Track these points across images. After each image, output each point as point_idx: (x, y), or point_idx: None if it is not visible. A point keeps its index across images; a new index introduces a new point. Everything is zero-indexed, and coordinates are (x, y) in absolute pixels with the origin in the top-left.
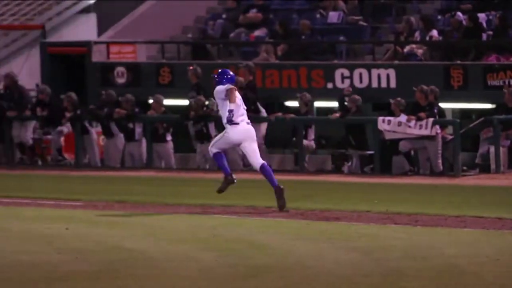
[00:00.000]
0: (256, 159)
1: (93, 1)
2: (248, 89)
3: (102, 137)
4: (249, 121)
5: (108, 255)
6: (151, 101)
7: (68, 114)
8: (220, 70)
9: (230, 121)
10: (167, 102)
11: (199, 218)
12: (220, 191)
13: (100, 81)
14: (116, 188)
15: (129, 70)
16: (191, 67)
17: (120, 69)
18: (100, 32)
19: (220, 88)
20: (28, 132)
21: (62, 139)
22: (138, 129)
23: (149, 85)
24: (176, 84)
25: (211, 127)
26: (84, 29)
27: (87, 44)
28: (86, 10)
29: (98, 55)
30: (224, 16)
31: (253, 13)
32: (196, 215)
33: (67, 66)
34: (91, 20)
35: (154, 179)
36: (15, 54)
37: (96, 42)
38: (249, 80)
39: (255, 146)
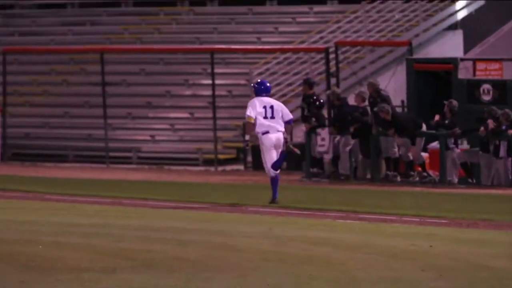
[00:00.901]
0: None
1: (460, 18)
2: None
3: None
4: (280, 128)
5: (471, 274)
6: None
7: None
8: (259, 81)
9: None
10: None
11: None
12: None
13: (465, 98)
14: (481, 206)
15: (495, 87)
16: None
17: (486, 86)
18: (466, 49)
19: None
20: (394, 147)
21: (426, 155)
22: (503, 147)
23: None
24: None
25: None
26: (450, 46)
27: (453, 61)
28: (453, 26)
29: (464, 72)
30: None
31: None
32: None
33: (433, 83)
34: (458, 36)
35: None
36: (382, 70)
37: (462, 59)
38: None
39: (274, 154)
